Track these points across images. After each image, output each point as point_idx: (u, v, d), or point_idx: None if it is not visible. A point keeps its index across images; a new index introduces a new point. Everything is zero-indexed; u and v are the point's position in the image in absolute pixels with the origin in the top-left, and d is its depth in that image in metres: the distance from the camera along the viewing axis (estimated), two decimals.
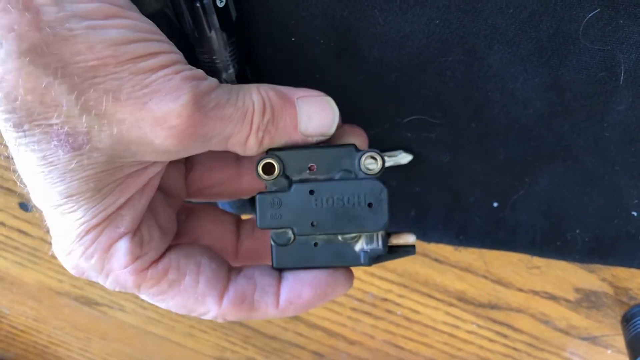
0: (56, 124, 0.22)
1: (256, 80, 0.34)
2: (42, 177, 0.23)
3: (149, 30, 0.24)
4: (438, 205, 0.38)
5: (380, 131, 0.36)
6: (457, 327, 0.48)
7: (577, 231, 0.37)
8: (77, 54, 0.21)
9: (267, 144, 0.26)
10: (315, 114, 0.27)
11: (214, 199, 0.34)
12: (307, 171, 0.27)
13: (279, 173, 0.27)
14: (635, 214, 0.36)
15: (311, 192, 0.27)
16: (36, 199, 0.24)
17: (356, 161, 0.27)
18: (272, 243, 0.27)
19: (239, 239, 0.31)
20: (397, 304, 0.48)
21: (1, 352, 0.67)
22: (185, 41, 0.32)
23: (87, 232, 0.24)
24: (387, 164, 0.37)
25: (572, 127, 0.34)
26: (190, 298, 0.27)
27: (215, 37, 0.31)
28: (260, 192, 0.27)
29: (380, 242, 0.27)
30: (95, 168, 0.23)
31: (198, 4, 0.30)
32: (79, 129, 0.22)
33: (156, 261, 0.26)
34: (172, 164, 0.30)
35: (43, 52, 0.21)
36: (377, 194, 0.26)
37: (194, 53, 0.32)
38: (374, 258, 0.27)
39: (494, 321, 0.46)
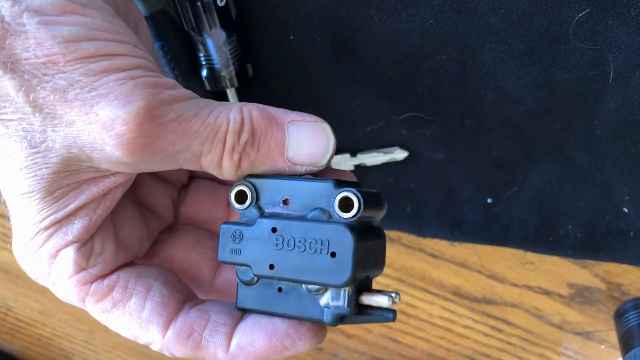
0: (13, 120, 0.21)
1: (256, 78, 0.35)
2: (3, 171, 0.22)
3: (110, 29, 0.22)
4: (433, 201, 0.39)
5: (376, 128, 0.37)
6: (453, 322, 0.48)
7: (569, 227, 0.38)
8: (27, 49, 0.21)
9: (247, 168, 0.24)
10: (306, 141, 0.24)
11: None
12: (281, 204, 0.24)
13: (251, 202, 0.24)
14: (626, 210, 0.37)
15: (274, 229, 0.23)
16: (2, 191, 0.24)
17: (332, 200, 0.23)
18: (237, 280, 0.25)
19: (218, 268, 0.29)
20: None
21: (7, 345, 0.69)
22: (186, 39, 0.33)
23: (36, 234, 0.23)
24: (381, 163, 0.37)
25: (564, 125, 0.35)
26: (134, 322, 0.24)
27: (216, 36, 0.32)
28: (225, 222, 0.25)
29: (345, 301, 0.23)
30: (49, 168, 0.22)
31: (199, 3, 0.31)
32: (35, 126, 0.21)
33: (103, 277, 0.25)
34: (163, 185, 0.29)
35: None
36: (342, 242, 0.22)
37: (195, 51, 0.33)
38: (339, 318, 0.23)
39: (489, 316, 0.47)
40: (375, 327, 0.51)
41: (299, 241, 0.23)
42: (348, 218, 0.22)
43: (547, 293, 0.44)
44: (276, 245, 0.23)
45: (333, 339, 0.54)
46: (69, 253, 0.24)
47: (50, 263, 0.24)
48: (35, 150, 0.22)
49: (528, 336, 0.48)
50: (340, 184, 0.23)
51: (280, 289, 0.24)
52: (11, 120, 0.21)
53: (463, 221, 0.39)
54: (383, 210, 0.25)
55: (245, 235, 0.24)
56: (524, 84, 0.33)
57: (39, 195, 0.23)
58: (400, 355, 0.52)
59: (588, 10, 0.30)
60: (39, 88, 0.21)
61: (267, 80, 0.36)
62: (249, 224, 0.24)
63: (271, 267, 0.23)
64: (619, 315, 0.43)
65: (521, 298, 0.45)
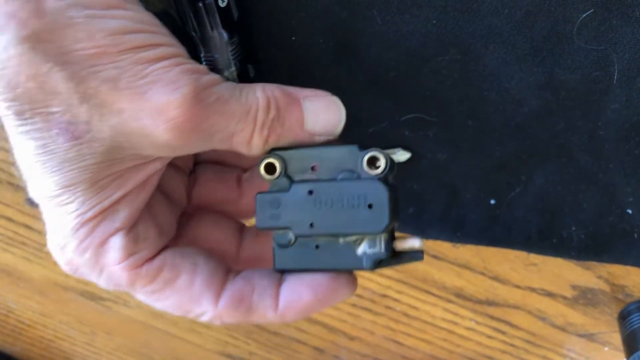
0: (57, 112, 0.22)
1: (258, 79, 0.35)
2: (40, 166, 0.23)
3: (150, 22, 0.24)
4: (435, 202, 0.39)
5: (379, 129, 0.37)
6: (456, 324, 0.48)
7: (573, 228, 0.38)
8: (77, 41, 0.21)
9: (273, 142, 0.26)
10: (322, 113, 0.27)
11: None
12: (310, 171, 0.26)
13: (281, 173, 0.27)
14: (630, 211, 0.37)
15: (310, 192, 0.26)
16: (33, 190, 0.24)
17: (359, 161, 0.26)
18: (274, 244, 0.27)
19: (241, 243, 0.31)
20: (396, 300, 0.48)
21: (8, 347, 0.68)
22: (187, 40, 0.33)
23: (82, 225, 0.24)
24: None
25: (567, 126, 0.34)
26: (185, 298, 0.26)
27: (217, 37, 0.32)
28: (260, 192, 0.27)
29: (382, 246, 0.25)
30: (94, 158, 0.23)
31: (201, 4, 0.31)
32: (79, 117, 0.22)
33: (151, 259, 0.26)
34: (175, 172, 0.30)
35: (44, 39, 0.21)
36: (377, 195, 0.25)
37: (196, 52, 0.33)
38: (377, 262, 0.26)
39: (492, 317, 0.47)
40: (378, 329, 0.51)
41: (337, 199, 0.25)
42: (377, 174, 0.25)
43: (550, 295, 0.44)
44: (314, 205, 0.26)
45: (335, 340, 0.53)
46: (118, 240, 0.24)
47: (99, 252, 0.24)
48: (79, 141, 0.22)
49: (531, 338, 0.47)
50: (363, 147, 0.26)
51: (317, 247, 0.26)
52: (54, 113, 0.22)
53: (466, 222, 0.39)
54: (395, 169, 0.27)
55: (282, 200, 0.26)
56: (528, 84, 0.33)
57: (84, 185, 0.23)
58: (402, 357, 0.52)
59: (592, 10, 0.30)
60: (89, 79, 0.22)
61: (269, 81, 0.35)
62: (282, 191, 0.26)
63: (311, 225, 0.26)
64: (623, 317, 0.43)
65: (524, 300, 0.45)
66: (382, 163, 0.25)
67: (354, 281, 0.27)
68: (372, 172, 0.25)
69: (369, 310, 0.50)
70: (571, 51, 0.32)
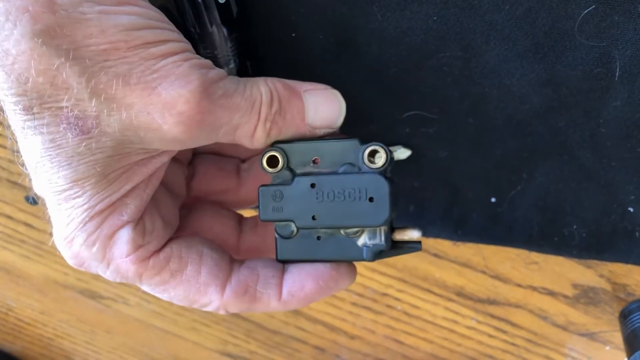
0: (66, 107, 0.22)
1: (257, 75, 0.35)
2: (48, 161, 0.23)
3: (159, 18, 0.24)
4: (436, 200, 0.39)
5: (379, 126, 0.36)
6: (457, 323, 0.48)
7: (574, 227, 0.38)
8: (89, 37, 0.22)
9: (275, 135, 0.26)
10: (322, 106, 0.27)
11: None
12: (312, 164, 0.27)
13: (283, 166, 0.27)
14: (631, 209, 0.36)
15: (312, 185, 0.26)
16: (39, 185, 0.24)
17: (360, 154, 0.26)
18: (276, 235, 0.27)
19: (241, 235, 0.31)
20: (397, 299, 0.48)
21: (7, 345, 0.68)
22: (186, 36, 0.32)
23: (91, 218, 0.24)
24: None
25: (568, 123, 0.34)
26: (192, 288, 0.26)
27: (217, 33, 0.32)
28: (263, 185, 0.27)
29: (382, 238, 0.26)
30: (103, 152, 0.23)
31: (200, 0, 0.30)
32: (88, 112, 0.22)
33: (158, 251, 0.26)
34: (175, 164, 0.30)
35: (56, 33, 0.21)
36: (378, 188, 0.26)
37: (196, 48, 0.33)
38: (377, 253, 0.26)
39: (493, 316, 0.47)
40: (379, 328, 0.51)
41: (338, 192, 0.26)
42: (378, 168, 0.26)
43: (551, 294, 0.44)
44: (316, 198, 0.26)
45: (336, 339, 0.53)
46: (126, 233, 0.25)
47: (107, 245, 0.25)
48: (87, 136, 0.22)
49: (532, 337, 0.47)
50: (364, 140, 0.26)
51: (318, 238, 0.27)
52: (63, 108, 0.22)
53: (467, 221, 0.39)
54: (393, 163, 0.27)
55: (285, 193, 0.27)
56: (529, 81, 0.33)
57: (94, 179, 0.23)
58: (403, 357, 0.52)
59: (594, 6, 0.30)
60: (100, 74, 0.22)
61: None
62: (285, 184, 0.27)
63: (314, 218, 0.26)
64: (624, 316, 0.43)
65: (525, 299, 0.45)
66: (382, 157, 0.26)
67: (354, 270, 0.28)
68: (372, 166, 0.26)
69: (370, 309, 0.50)
70: (572, 48, 0.31)
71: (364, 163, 0.26)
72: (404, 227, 0.27)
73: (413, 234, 0.27)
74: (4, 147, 0.48)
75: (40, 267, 0.57)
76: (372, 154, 0.26)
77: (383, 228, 0.26)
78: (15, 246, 0.55)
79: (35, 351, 0.67)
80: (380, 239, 0.26)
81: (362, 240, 0.27)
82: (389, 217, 0.26)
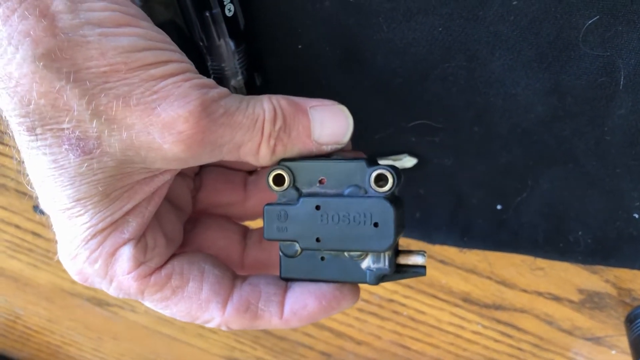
0: (67, 128, 0.22)
1: (264, 87, 0.35)
2: (52, 180, 0.23)
3: (160, 39, 0.24)
4: (442, 207, 0.39)
5: (385, 135, 0.37)
6: (463, 328, 0.48)
7: (580, 233, 0.38)
8: (90, 59, 0.22)
9: (281, 152, 0.26)
10: (329, 122, 0.27)
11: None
12: (318, 184, 0.27)
13: (289, 184, 0.27)
14: (636, 216, 0.37)
15: (317, 207, 0.26)
16: (45, 202, 0.24)
17: (367, 177, 0.26)
18: (280, 254, 0.27)
19: (245, 249, 0.31)
20: (403, 305, 0.48)
21: (15, 352, 0.69)
22: (194, 49, 0.33)
23: (93, 236, 0.24)
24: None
25: (573, 131, 0.34)
26: (193, 304, 0.26)
27: (224, 45, 0.32)
28: (268, 204, 0.27)
29: (386, 262, 0.26)
30: (104, 172, 0.23)
31: (207, 13, 0.31)
32: (89, 133, 0.22)
33: (160, 268, 0.26)
34: (181, 178, 0.30)
35: (57, 57, 0.21)
36: (383, 213, 0.25)
37: (203, 61, 0.33)
38: (380, 277, 0.26)
39: (499, 322, 0.47)
40: (385, 334, 0.51)
41: (343, 215, 0.26)
42: (384, 192, 0.25)
43: (557, 299, 0.44)
44: (321, 220, 0.26)
45: (342, 345, 0.54)
46: (128, 250, 0.25)
47: (109, 262, 0.25)
48: (89, 156, 0.23)
49: (538, 342, 0.47)
50: (372, 162, 0.26)
51: (322, 258, 0.27)
52: (64, 129, 0.22)
53: (472, 227, 0.39)
54: (402, 182, 0.27)
55: (290, 213, 0.27)
56: (534, 90, 0.33)
57: (96, 199, 0.24)
58: None
59: (598, 17, 0.30)
60: (100, 96, 0.22)
61: (275, 89, 0.36)
62: (290, 203, 0.27)
63: (317, 240, 0.26)
64: (630, 321, 0.43)
65: (531, 304, 0.45)
66: (389, 181, 0.25)
67: (357, 291, 0.28)
68: (379, 190, 0.26)
69: (376, 315, 0.50)
70: (577, 57, 0.32)
71: (370, 186, 0.26)
72: (409, 252, 0.27)
73: (417, 259, 0.27)
74: (11, 157, 0.48)
75: (48, 275, 0.57)
76: (379, 178, 0.26)
77: (387, 253, 0.26)
78: (23, 255, 0.56)
79: (42, 358, 0.68)
80: (384, 264, 0.26)
81: (366, 263, 0.26)
82: (394, 243, 0.25)
